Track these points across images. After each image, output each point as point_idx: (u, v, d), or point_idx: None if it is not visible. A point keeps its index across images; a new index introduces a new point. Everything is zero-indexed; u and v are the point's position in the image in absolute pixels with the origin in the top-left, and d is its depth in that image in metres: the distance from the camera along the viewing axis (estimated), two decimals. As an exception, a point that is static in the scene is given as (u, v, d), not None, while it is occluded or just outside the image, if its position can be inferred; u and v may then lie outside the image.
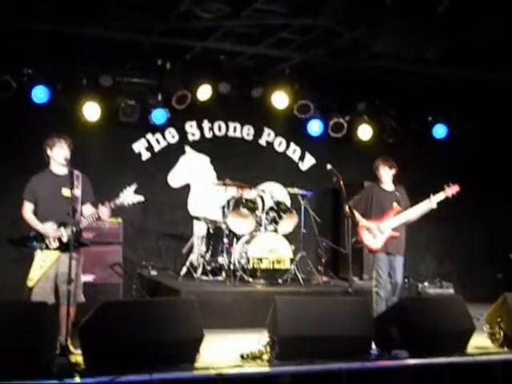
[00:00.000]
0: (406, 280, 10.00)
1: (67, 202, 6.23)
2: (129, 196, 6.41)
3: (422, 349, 6.11)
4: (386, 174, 7.97)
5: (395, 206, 7.87)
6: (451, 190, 7.82)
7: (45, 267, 6.32)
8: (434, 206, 7.79)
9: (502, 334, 6.77)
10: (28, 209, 6.50)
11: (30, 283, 6.30)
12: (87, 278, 8.21)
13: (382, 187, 8.02)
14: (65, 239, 6.32)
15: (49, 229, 6.34)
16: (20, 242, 6.45)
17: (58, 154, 6.50)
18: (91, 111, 9.60)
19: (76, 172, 6.51)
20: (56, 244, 6.35)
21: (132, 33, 8.72)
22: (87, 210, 6.58)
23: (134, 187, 6.44)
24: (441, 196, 7.81)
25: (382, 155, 8.19)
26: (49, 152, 6.57)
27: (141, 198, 6.48)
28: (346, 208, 7.53)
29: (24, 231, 6.51)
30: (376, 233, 7.77)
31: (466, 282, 10.90)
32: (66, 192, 6.35)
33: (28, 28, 8.29)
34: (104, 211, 6.38)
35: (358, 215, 7.89)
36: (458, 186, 7.84)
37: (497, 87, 10.22)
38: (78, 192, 6.44)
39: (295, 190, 9.94)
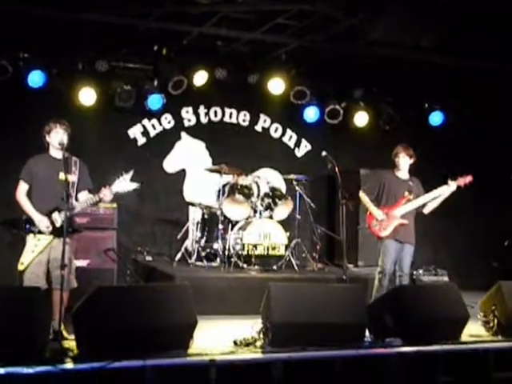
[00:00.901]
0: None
1: (63, 186, 6.19)
2: (125, 183, 6.39)
3: (415, 336, 6.13)
4: (405, 163, 7.92)
5: (406, 195, 7.84)
6: (464, 180, 7.79)
7: (36, 251, 6.30)
8: (454, 187, 7.74)
9: (495, 322, 6.79)
10: (23, 190, 6.46)
11: (20, 267, 6.28)
12: (81, 263, 8.21)
13: (397, 175, 7.98)
14: (58, 224, 6.30)
15: (42, 224, 6.31)
16: (12, 225, 6.43)
17: (54, 139, 6.48)
18: (87, 96, 9.56)
19: (74, 158, 6.53)
20: (49, 229, 6.34)
21: (128, 18, 8.66)
22: (83, 196, 6.57)
23: (130, 174, 6.42)
24: (455, 184, 7.78)
25: (378, 142, 8.18)
26: (47, 138, 6.56)
27: (137, 185, 6.46)
28: (341, 195, 7.52)
29: (19, 215, 6.47)
30: (384, 220, 7.74)
31: (460, 270, 10.90)
32: (63, 176, 6.29)
33: (24, 13, 8.23)
34: (106, 193, 6.37)
35: (367, 200, 7.88)
36: (471, 176, 7.81)
37: (495, 74, 10.19)
38: (74, 177, 6.44)
39: (291, 176, 9.93)
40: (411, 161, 7.96)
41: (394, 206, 7.81)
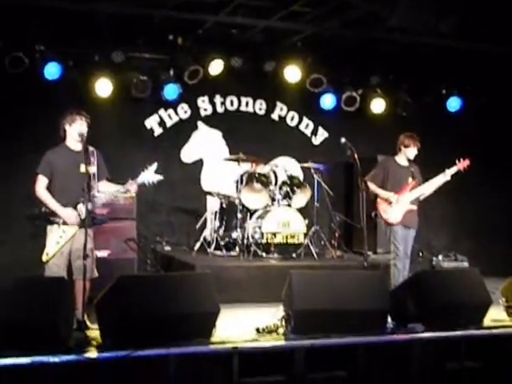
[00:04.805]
0: (421, 253, 10.02)
1: (85, 178, 6.15)
2: (149, 175, 6.41)
3: (438, 322, 6.09)
4: (413, 154, 8.02)
5: (410, 181, 7.94)
6: (462, 165, 7.89)
7: (62, 242, 6.29)
8: (449, 178, 7.90)
9: (518, 306, 6.76)
10: (42, 184, 6.37)
11: (45, 257, 6.28)
12: (102, 253, 8.23)
13: (398, 162, 8.07)
14: (83, 216, 6.25)
15: (69, 216, 6.30)
16: (36, 217, 6.42)
17: (76, 130, 6.40)
18: (103, 87, 9.59)
19: (91, 148, 6.46)
20: (77, 220, 6.32)
21: (143, 7, 8.66)
22: (105, 186, 6.56)
23: (154, 166, 6.43)
24: (454, 170, 7.91)
25: (395, 128, 8.19)
26: (67, 127, 6.47)
27: (160, 177, 6.49)
28: (362, 183, 7.56)
29: (38, 207, 6.44)
30: (394, 206, 7.81)
31: (480, 256, 10.84)
32: (83, 168, 6.25)
33: (40, 4, 8.25)
34: (133, 186, 6.42)
35: (377, 188, 7.94)
36: (468, 160, 7.90)
37: (512, 59, 10.11)
38: (94, 169, 6.40)
39: (309, 164, 9.91)
40: (417, 151, 8.05)
41: (401, 193, 7.88)
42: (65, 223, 6.32)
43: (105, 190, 6.51)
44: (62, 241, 6.31)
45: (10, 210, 9.08)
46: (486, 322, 6.51)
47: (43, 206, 6.38)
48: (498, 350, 6.14)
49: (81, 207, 6.28)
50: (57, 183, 6.42)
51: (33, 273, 6.73)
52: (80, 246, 6.06)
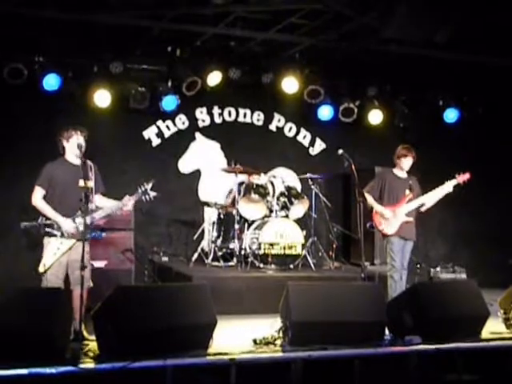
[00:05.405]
0: (418, 265, 10.01)
1: (83, 192, 6.17)
2: (146, 192, 6.45)
3: (435, 334, 6.08)
4: (409, 164, 8.05)
5: (407, 193, 7.97)
6: (462, 178, 7.95)
7: (58, 254, 6.30)
8: (451, 189, 7.94)
9: (517, 318, 6.76)
10: (39, 195, 6.40)
11: (41, 268, 6.27)
12: (99, 263, 8.22)
13: (396, 174, 8.10)
14: (82, 228, 6.25)
15: (68, 226, 6.31)
16: (33, 229, 6.42)
17: (74, 146, 6.43)
18: (102, 98, 9.59)
19: (89, 162, 6.52)
20: (74, 230, 6.32)
21: (142, 19, 8.68)
22: (100, 201, 6.60)
23: (151, 184, 6.48)
24: (453, 182, 7.95)
25: (392, 139, 8.21)
26: (65, 143, 6.52)
27: (156, 194, 6.53)
28: (359, 194, 7.58)
29: (36, 217, 6.42)
30: (390, 218, 7.83)
31: (478, 268, 10.85)
32: (82, 182, 6.28)
33: (39, 15, 8.26)
34: (129, 202, 6.46)
35: (373, 201, 7.97)
36: (468, 173, 7.95)
37: (508, 71, 10.13)
38: (92, 183, 6.44)
39: (306, 176, 9.91)
40: (412, 162, 8.08)
41: (398, 205, 7.92)
42: (63, 235, 6.33)
43: (102, 206, 6.54)
44: (60, 252, 6.31)
45: (6, 220, 9.06)
46: (484, 334, 6.52)
47: (41, 216, 6.38)
48: (496, 363, 6.12)
49: (79, 220, 6.28)
50: (56, 196, 6.44)
51: (28, 283, 6.70)
52: (78, 257, 6.04)
